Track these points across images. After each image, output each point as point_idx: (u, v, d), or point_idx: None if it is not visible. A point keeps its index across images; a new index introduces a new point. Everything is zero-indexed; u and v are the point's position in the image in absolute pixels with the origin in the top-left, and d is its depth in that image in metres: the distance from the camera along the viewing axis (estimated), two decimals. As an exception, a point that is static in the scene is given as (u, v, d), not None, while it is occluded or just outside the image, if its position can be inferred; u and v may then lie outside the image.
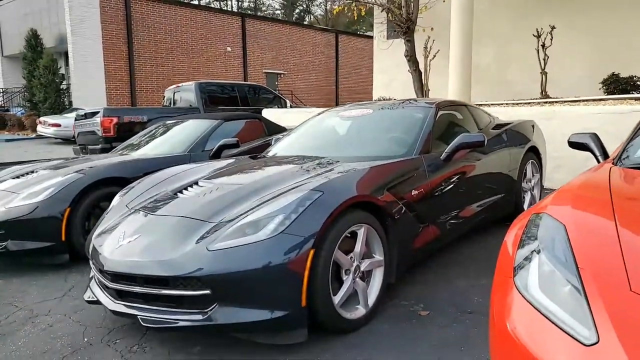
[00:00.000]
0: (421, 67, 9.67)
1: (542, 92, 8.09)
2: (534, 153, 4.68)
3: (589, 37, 8.55)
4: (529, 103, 7.27)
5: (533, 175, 4.72)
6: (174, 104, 10.59)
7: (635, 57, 7.89)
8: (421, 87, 9.62)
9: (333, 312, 2.49)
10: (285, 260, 2.29)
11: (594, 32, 8.50)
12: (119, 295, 2.59)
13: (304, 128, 4.31)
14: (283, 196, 2.57)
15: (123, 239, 2.65)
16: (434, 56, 9.58)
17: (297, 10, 53.12)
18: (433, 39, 9.54)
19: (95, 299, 2.77)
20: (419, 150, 3.39)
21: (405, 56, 9.61)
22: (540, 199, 4.78)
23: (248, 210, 2.58)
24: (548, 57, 8.06)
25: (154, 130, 5.91)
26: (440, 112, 3.80)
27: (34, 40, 20.82)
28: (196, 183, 3.23)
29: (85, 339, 2.75)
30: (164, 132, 5.71)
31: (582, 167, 5.98)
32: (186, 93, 10.09)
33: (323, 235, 2.41)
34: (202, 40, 24.17)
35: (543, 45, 8.10)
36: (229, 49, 24.99)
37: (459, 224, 3.58)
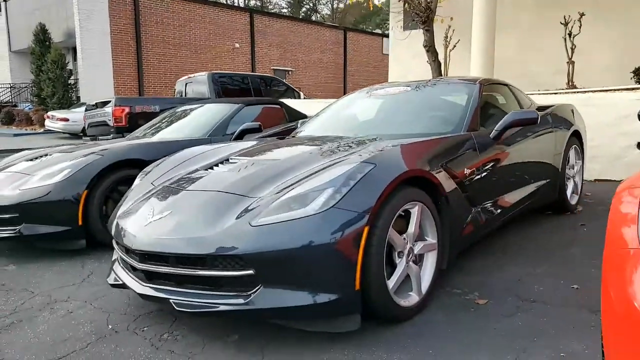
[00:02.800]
0: (440, 58, 9.39)
1: (568, 82, 7.80)
2: (577, 138, 4.40)
3: (618, 25, 8.26)
4: (556, 93, 6.99)
5: (576, 162, 4.44)
6: (185, 96, 10.36)
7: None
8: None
9: (387, 297, 2.23)
10: (337, 237, 2.03)
11: (623, 20, 8.21)
12: (148, 277, 2.34)
13: (334, 109, 4.05)
14: (330, 169, 2.32)
15: (152, 216, 2.40)
16: (454, 46, 9.30)
17: (303, 9, 52.95)
18: (453, 29, 9.26)
19: (121, 282, 2.52)
20: (467, 128, 3.12)
21: (424, 46, 9.33)
22: (581, 189, 4.51)
23: (292, 184, 2.32)
24: (575, 46, 7.78)
25: (170, 116, 5.67)
26: (484, 89, 3.53)
27: (42, 35, 20.65)
28: (227, 160, 2.98)
29: (110, 326, 2.50)
30: (182, 117, 5.46)
31: (621, 157, 5.74)
32: (198, 85, 9.86)
33: (377, 211, 2.15)
34: (210, 36, 23.96)
35: (570, 34, 7.82)
36: (237, 45, 24.78)
37: (506, 209, 3.31)
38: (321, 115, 4.05)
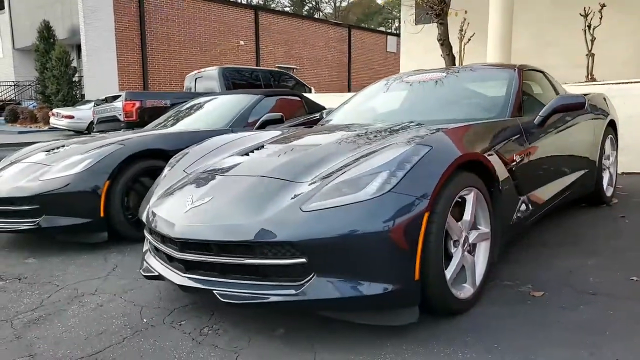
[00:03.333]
0: (454, 51, 9.25)
1: (588, 75, 7.64)
2: (612, 128, 4.26)
3: (637, 16, 8.11)
4: (577, 86, 6.84)
5: (611, 153, 4.30)
6: (195, 91, 10.21)
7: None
8: (454, 73, 9.18)
9: (445, 289, 2.09)
10: (395, 223, 1.89)
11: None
12: (187, 267, 2.20)
13: (363, 96, 3.91)
14: (382, 152, 2.17)
15: (191, 203, 2.26)
16: (469, 40, 9.16)
17: (306, 8, 52.85)
18: (468, 22, 9.12)
19: (155, 273, 2.38)
20: (511, 113, 2.98)
21: (438, 40, 9.20)
22: (615, 181, 4.36)
23: (340, 168, 2.18)
24: (595, 38, 7.63)
25: (187, 108, 5.52)
26: (523, 75, 3.38)
27: (46, 32, 20.50)
28: (261, 147, 2.84)
29: (145, 320, 2.36)
30: (199, 109, 5.32)
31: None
32: (208, 80, 9.70)
33: (437, 196, 2.01)
34: (215, 33, 23.83)
35: (589, 26, 7.67)
36: (242, 42, 24.65)
37: (550, 199, 3.17)
38: (349, 103, 3.90)
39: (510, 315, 2.21)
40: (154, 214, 2.45)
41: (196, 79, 10.09)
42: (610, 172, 4.24)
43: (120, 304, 2.58)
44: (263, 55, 25.21)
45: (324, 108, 5.91)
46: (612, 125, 4.22)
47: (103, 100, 8.96)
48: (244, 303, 2.00)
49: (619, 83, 6.29)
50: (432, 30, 10.21)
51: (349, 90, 28.21)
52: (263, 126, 4.60)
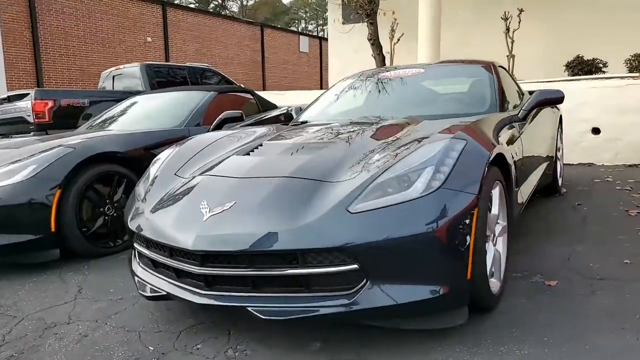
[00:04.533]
0: (384, 51, 9.43)
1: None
2: (560, 122, 4.55)
3: (552, 21, 8.82)
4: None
5: (560, 145, 4.59)
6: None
7: (596, 40, 8.27)
8: (385, 72, 9.37)
9: (487, 285, 2.04)
10: (449, 220, 1.81)
11: (557, 15, 8.79)
12: (210, 283, 1.94)
13: (338, 93, 3.78)
14: (418, 148, 2.07)
15: (210, 209, 1.99)
16: (398, 40, 9.39)
17: (211, 5, 51.49)
18: (397, 22, 9.35)
19: (163, 292, 2.08)
20: (499, 107, 3.04)
21: (369, 39, 9.32)
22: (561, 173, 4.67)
23: (373, 165, 2.05)
24: (514, 40, 8.19)
25: (126, 106, 5.02)
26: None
27: None
28: (260, 145, 2.61)
29: (151, 348, 2.05)
30: (143, 107, 4.86)
31: (578, 142, 6.08)
32: (129, 78, 8.95)
33: (481, 190, 1.96)
34: (118, 28, 22.28)
35: (508, 30, 8.21)
36: (149, 39, 23.31)
37: (531, 190, 3.29)
38: (325, 100, 3.76)
39: (537, 307, 2.22)
40: (153, 224, 2.14)
41: (114, 76, 9.28)
42: (560, 165, 4.54)
43: (109, 332, 2.23)
44: (173, 52, 24.06)
45: (275, 106, 5.72)
46: (560, 120, 4.51)
47: (5, 99, 7.92)
48: (290, 319, 1.79)
49: (540, 82, 6.79)
50: (361, 29, 10.35)
51: (264, 89, 27.90)
52: (221, 124, 4.32)
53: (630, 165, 5.88)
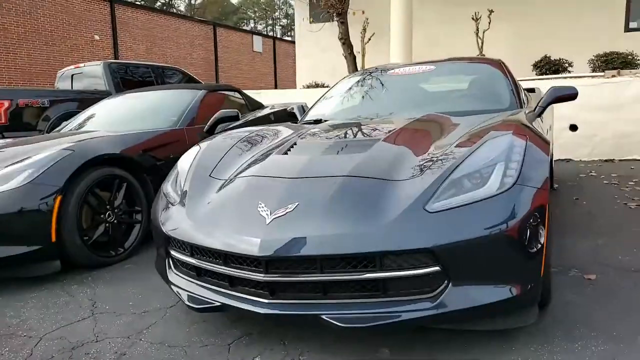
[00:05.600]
0: (354, 51, 9.45)
1: (481, 74, 8.39)
2: (552, 117, 4.68)
3: (521, 22, 9.12)
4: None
5: (551, 140, 4.72)
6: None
7: (562, 41, 8.62)
8: (356, 71, 9.39)
9: (550, 280, 2.04)
10: (528, 217, 1.78)
11: (525, 17, 9.10)
12: (275, 291, 1.82)
13: (347, 91, 3.70)
14: (481, 145, 2.02)
15: (270, 212, 1.86)
16: (369, 39, 9.43)
17: (158, 4, 50.03)
18: (368, 21, 9.39)
19: (217, 303, 1.93)
20: (519, 104, 3.07)
21: (340, 39, 9.30)
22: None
23: (435, 162, 2.00)
24: (483, 41, 8.42)
25: (106, 106, 4.71)
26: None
27: None
28: (295, 144, 2.50)
29: (206, 364, 1.90)
30: (128, 106, 4.58)
31: (557, 138, 6.30)
32: (91, 78, 8.47)
33: (546, 186, 1.94)
34: (63, 26, 21.19)
35: (478, 30, 8.43)
36: (96, 37, 22.30)
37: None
38: (335, 98, 3.66)
39: (589, 301, 2.24)
40: (201, 230, 1.98)
41: (72, 75, 8.75)
42: (552, 158, 4.67)
43: (149, 349, 2.05)
44: (122, 51, 23.12)
45: (262, 105, 5.57)
46: (552, 114, 4.64)
47: (-46, 100, 7.29)
48: (371, 326, 1.70)
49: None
50: (330, 29, 10.34)
51: (219, 90, 27.30)
52: (216, 123, 4.14)
53: (606, 160, 6.17)
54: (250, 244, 1.80)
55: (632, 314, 2.09)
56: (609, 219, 3.54)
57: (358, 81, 3.73)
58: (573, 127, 6.23)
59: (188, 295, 2.05)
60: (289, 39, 45.08)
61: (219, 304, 1.93)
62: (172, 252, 2.17)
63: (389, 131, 2.50)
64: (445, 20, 9.76)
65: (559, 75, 7.73)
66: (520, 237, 1.75)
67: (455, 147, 2.10)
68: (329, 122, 3.11)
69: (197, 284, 2.06)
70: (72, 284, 2.88)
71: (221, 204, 2.07)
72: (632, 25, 8.83)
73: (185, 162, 2.53)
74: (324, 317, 1.73)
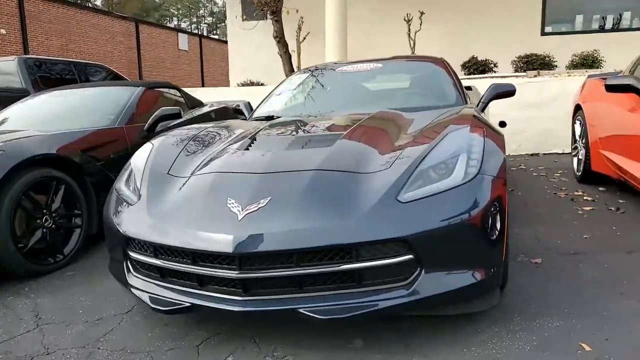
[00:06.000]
0: (290, 50, 9.47)
1: (413, 74, 8.73)
2: (486, 116, 4.97)
3: (449, 23, 9.54)
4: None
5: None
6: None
7: (487, 42, 9.14)
8: (292, 70, 9.43)
9: (506, 267, 2.18)
10: (492, 204, 1.89)
11: (453, 18, 9.53)
12: (248, 287, 1.80)
13: (295, 87, 3.71)
14: (443, 137, 2.12)
15: (242, 208, 1.84)
16: (304, 38, 9.49)
17: (72, -3, 47.16)
18: (303, 20, 9.43)
19: (186, 304, 1.87)
20: (464, 100, 3.23)
21: (275, 37, 9.27)
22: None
23: (399, 157, 2.06)
24: (415, 41, 8.76)
25: (30, 104, 4.38)
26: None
27: None
28: (254, 140, 2.48)
29: (176, 368, 1.84)
30: (56, 104, 4.29)
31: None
32: (2, 75, 7.80)
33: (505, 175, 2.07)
34: (-37, 18, 19.48)
35: (409, 31, 8.76)
36: (2, 31, 20.68)
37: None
38: (287, 94, 3.66)
39: (539, 283, 2.41)
40: (166, 229, 1.92)
41: (-19, 72, 8.02)
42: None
43: (110, 356, 1.95)
44: (33, 47, 21.58)
45: (202, 103, 5.44)
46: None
47: None
48: (350, 316, 1.73)
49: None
50: (264, 27, 10.28)
51: (143, 90, 26.24)
52: (158, 122, 4.00)
53: (532, 155, 6.64)
54: (222, 241, 1.76)
55: (579, 292, 2.28)
56: (544, 208, 3.82)
57: (307, 78, 3.76)
58: (502, 124, 6.64)
59: (152, 297, 1.98)
60: (217, 37, 44.25)
61: (188, 304, 1.87)
62: (132, 254, 2.07)
63: (348, 127, 2.54)
64: (379, 21, 10.04)
65: (486, 75, 8.22)
66: (484, 224, 1.86)
67: (417, 140, 2.18)
68: (283, 119, 3.11)
69: (161, 286, 1.99)
70: (7, 295, 2.66)
71: (186, 201, 2.02)
72: (547, 29, 9.57)
73: (139, 160, 2.43)
74: (301, 310, 1.74)
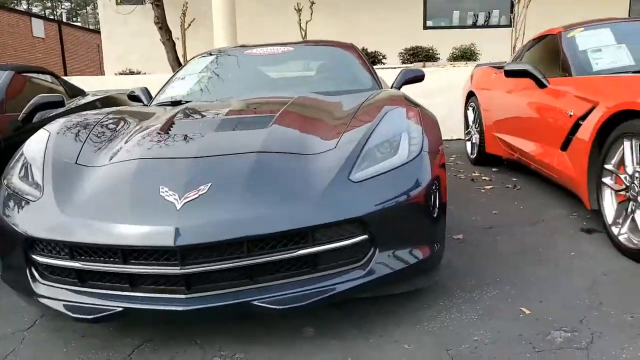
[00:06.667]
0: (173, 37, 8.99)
1: (306, 64, 8.79)
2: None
3: (339, 14, 9.72)
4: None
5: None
6: None
7: (376, 34, 9.47)
8: (177, 59, 8.99)
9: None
10: (438, 180, 1.96)
11: (342, 9, 9.72)
12: (192, 284, 1.65)
13: (202, 71, 3.48)
14: (382, 118, 2.11)
15: (179, 196, 1.67)
16: (189, 25, 9.05)
17: None
18: (187, 5, 8.99)
19: (118, 309, 1.66)
20: (379, 84, 3.30)
21: (156, 23, 8.72)
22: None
23: (347, 137, 2.03)
24: (306, 32, 8.82)
25: None
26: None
27: None
28: (172, 124, 2.28)
29: (109, 384, 1.62)
30: None
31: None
32: None
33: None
34: None
35: (300, 21, 8.80)
36: None
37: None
38: (193, 79, 3.42)
39: (466, 257, 2.55)
40: (87, 226, 1.68)
41: None
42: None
43: (21, 382, 1.66)
44: None
45: (83, 91, 4.92)
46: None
47: None
48: (309, 303, 1.66)
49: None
50: (142, 12, 9.65)
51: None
52: (35, 110, 3.55)
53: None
54: (161, 234, 1.59)
55: (504, 262, 2.45)
56: (449, 188, 4.05)
57: (213, 61, 3.57)
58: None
59: (69, 306, 1.72)
60: (79, 24, 40.65)
61: (120, 309, 1.66)
62: (38, 258, 1.79)
63: (275, 110, 2.43)
64: (269, 9, 9.95)
65: (377, 67, 8.56)
66: (427, 202, 1.90)
67: (355, 122, 2.16)
68: (197, 103, 2.90)
69: (80, 292, 1.75)
70: None
71: (107, 193, 1.79)
72: (429, 23, 10.25)
73: (34, 150, 2.11)
74: (255, 303, 1.63)
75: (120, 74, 9.21)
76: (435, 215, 1.94)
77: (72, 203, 1.77)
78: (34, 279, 1.83)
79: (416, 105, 2.39)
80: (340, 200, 1.74)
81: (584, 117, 2.80)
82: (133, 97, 3.58)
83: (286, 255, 1.67)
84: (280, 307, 1.63)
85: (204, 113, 2.57)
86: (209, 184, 1.72)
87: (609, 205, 2.60)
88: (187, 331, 1.91)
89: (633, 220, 2.40)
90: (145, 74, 9.06)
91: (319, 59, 3.67)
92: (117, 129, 2.33)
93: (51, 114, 3.74)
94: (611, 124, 2.54)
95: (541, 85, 3.46)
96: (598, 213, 2.79)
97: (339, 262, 1.75)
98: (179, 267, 1.61)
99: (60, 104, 3.68)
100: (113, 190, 1.80)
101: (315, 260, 1.72)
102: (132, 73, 9.18)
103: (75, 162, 1.99)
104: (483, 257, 2.53)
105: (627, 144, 2.40)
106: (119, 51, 10.11)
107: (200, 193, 1.69)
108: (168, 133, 2.17)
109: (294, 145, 1.97)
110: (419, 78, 3.52)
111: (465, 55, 8.94)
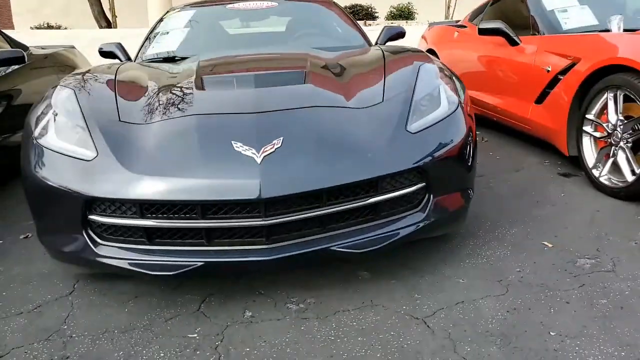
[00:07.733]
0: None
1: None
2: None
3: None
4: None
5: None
6: None
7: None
8: (102, 12, 8.41)
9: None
10: (467, 133, 2.13)
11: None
12: (272, 235, 1.72)
13: (186, 25, 3.35)
14: (417, 73, 2.23)
15: (257, 150, 1.72)
16: (114, -25, 8.43)
17: None
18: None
19: (199, 263, 1.69)
20: (369, 42, 3.40)
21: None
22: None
23: (394, 91, 2.13)
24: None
25: None
26: (335, 7, 3.81)
27: None
28: (201, 80, 2.25)
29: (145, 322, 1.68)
30: None
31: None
32: None
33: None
34: None
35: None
36: None
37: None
38: (181, 33, 3.28)
39: (474, 202, 2.71)
40: (161, 183, 1.68)
41: None
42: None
43: (91, 346, 1.66)
44: None
45: (26, 47, 4.52)
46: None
47: None
48: (384, 245, 1.80)
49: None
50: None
51: None
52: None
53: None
54: (246, 188, 1.64)
55: (507, 204, 2.73)
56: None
57: (195, 15, 3.45)
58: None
59: (140, 264, 1.73)
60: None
61: (201, 263, 1.69)
62: (100, 219, 1.75)
63: (299, 66, 2.45)
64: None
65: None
66: (468, 149, 2.09)
67: (390, 76, 2.27)
68: (205, 60, 2.77)
69: (150, 251, 1.75)
70: None
71: (171, 150, 1.79)
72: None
73: (68, 108, 2.00)
74: (335, 248, 1.74)
75: (37, 28, 8.45)
76: (471, 162, 2.14)
77: (136, 161, 1.75)
78: (94, 242, 1.79)
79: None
80: (403, 150, 1.87)
81: (563, 72, 3.12)
82: (106, 54, 3.41)
83: (358, 204, 1.78)
84: (360, 250, 1.76)
85: (227, 69, 2.54)
86: (281, 138, 1.77)
87: (589, 151, 2.96)
88: (240, 285, 1.98)
89: (614, 163, 2.77)
90: (66, 28, 8.38)
91: (305, 15, 3.67)
92: (141, 85, 2.26)
93: (7, 71, 3.47)
94: (592, 79, 2.86)
95: (513, 43, 3.74)
96: (571, 159, 3.16)
97: (398, 208, 1.90)
98: (262, 219, 1.67)
99: (21, 59, 3.41)
100: (177, 146, 1.79)
101: (377, 207, 1.85)
102: (50, 27, 8.46)
103: (119, 120, 1.93)
104: (488, 201, 2.80)
105: (610, 95, 2.74)
106: (32, 4, 9.21)
107: (276, 147, 1.74)
108: (205, 89, 2.15)
109: (341, 100, 2.05)
110: (400, 34, 3.66)
111: (403, 14, 9.23)
